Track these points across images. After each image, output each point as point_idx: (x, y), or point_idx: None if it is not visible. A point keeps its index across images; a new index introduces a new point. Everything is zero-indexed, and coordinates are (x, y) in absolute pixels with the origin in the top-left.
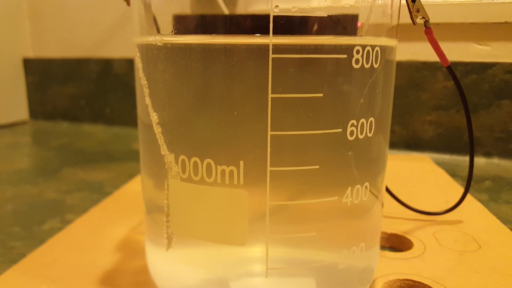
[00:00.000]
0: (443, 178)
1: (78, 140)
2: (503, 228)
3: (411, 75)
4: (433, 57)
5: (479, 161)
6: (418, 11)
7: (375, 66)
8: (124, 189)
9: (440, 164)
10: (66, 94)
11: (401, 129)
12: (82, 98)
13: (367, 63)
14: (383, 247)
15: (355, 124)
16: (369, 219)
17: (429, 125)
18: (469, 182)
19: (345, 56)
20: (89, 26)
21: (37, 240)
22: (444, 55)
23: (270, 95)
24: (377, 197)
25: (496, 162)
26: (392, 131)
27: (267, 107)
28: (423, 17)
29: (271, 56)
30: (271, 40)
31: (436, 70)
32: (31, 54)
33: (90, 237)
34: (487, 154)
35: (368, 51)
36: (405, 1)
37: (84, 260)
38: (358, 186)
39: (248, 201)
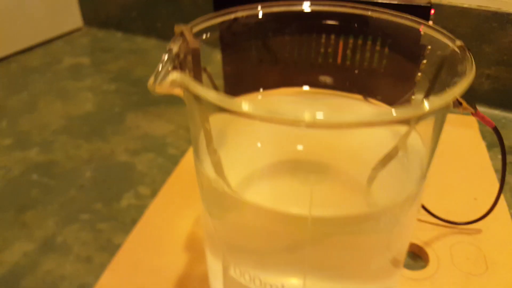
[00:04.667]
0: (481, 159)
1: (135, 64)
2: None
3: (478, 25)
4: (506, 6)
5: None
6: None
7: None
8: (186, 159)
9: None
10: (118, 3)
11: None
12: (133, 9)
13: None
14: None
15: None
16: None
17: (486, 79)
18: (499, 195)
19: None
20: None
21: (119, 222)
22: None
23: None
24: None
25: None
26: None
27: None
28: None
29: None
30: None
31: (506, 23)
32: None
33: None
34: None
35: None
36: None
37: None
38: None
39: None
